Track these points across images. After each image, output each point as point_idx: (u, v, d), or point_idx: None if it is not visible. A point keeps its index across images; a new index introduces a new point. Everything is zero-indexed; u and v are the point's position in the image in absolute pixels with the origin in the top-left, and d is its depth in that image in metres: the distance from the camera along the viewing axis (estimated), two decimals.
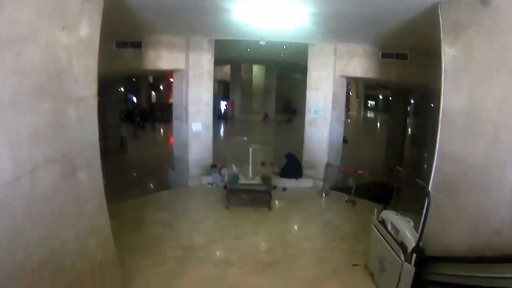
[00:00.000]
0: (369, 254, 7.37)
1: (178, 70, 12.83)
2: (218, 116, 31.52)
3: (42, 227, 4.14)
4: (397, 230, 6.36)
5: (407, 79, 12.00)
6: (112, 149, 19.83)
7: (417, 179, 6.53)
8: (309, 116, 13.35)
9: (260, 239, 9.05)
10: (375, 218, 7.16)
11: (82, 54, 5.05)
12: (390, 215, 6.81)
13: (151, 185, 14.16)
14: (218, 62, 32.60)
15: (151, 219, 9.80)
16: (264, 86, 36.00)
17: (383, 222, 6.89)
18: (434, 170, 6.31)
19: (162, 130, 30.23)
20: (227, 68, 36.17)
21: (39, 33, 3.98)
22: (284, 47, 21.32)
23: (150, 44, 11.75)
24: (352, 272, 7.42)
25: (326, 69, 12.90)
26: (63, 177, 4.62)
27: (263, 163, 12.09)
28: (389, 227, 6.66)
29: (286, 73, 37.93)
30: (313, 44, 13.04)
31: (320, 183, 12.76)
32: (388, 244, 6.39)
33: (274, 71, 35.62)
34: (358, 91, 49.53)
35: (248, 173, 11.16)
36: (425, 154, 17.55)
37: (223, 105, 35.85)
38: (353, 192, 11.82)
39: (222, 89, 38.31)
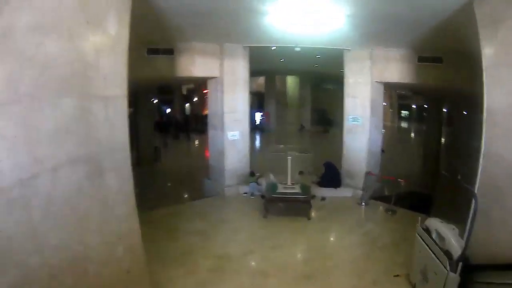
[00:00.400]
0: (412, 264, 6.83)
1: (212, 78, 12.62)
2: (253, 128, 31.05)
3: (63, 230, 3.86)
4: (442, 238, 5.87)
5: (443, 82, 11.65)
6: (145, 158, 20.09)
7: (464, 184, 6.08)
8: (347, 124, 12.85)
9: (298, 250, 8.58)
10: (419, 226, 6.63)
11: (111, 51, 4.86)
12: (434, 223, 6.29)
13: (186, 194, 13.89)
14: (253, 74, 32.79)
15: (184, 228, 9.48)
16: (298, 97, 35.46)
17: (427, 231, 6.38)
18: (480, 172, 5.89)
19: (196, 141, 30.29)
20: (261, 80, 35.88)
21: (61, 24, 3.75)
22: (318, 56, 21.08)
23: (182, 51, 11.59)
24: (393, 284, 6.92)
25: (363, 75, 12.40)
26: (88, 179, 4.38)
27: (301, 172, 11.71)
28: (433, 236, 6.16)
29: (321, 84, 37.37)
30: (349, 50, 12.55)
31: (359, 193, 12.20)
32: (433, 253, 5.91)
33: (308, 81, 35.05)
34: (392, 100, 48.45)
35: (287, 182, 10.72)
36: (460, 163, 16.50)
37: (258, 116, 35.63)
38: (393, 201, 11.25)
39: (257, 101, 38.08)
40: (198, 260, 7.70)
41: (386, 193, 12.62)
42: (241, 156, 12.87)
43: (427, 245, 6.16)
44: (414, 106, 53.49)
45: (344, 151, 12.97)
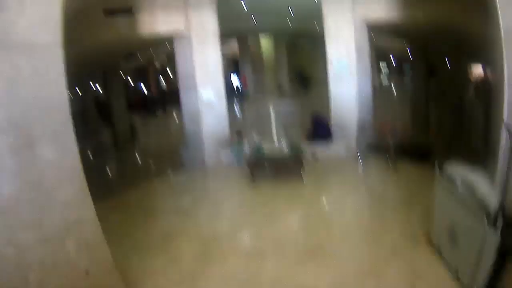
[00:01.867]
0: (433, 223, 5.62)
1: (178, 34, 11.15)
2: (230, 94, 30.57)
3: None
4: (470, 188, 4.53)
5: (439, 19, 10.11)
6: (122, 138, 19.09)
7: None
8: (332, 69, 11.45)
9: (296, 220, 7.33)
10: (438, 175, 5.43)
11: None
12: (458, 170, 5.00)
13: (163, 168, 12.67)
14: (223, 37, 31.71)
15: (163, 207, 8.33)
16: (274, 59, 34.13)
17: (449, 180, 5.11)
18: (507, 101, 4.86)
19: (175, 115, 28.58)
20: (234, 45, 34.49)
21: None
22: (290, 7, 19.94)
23: (142, 8, 10.23)
24: (415, 249, 5.68)
25: (344, 15, 11.05)
26: (13, 153, 3.26)
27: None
28: (458, 185, 4.84)
29: (296, 43, 36.29)
30: None
31: (353, 146, 11.07)
32: (462, 207, 4.65)
33: (283, 41, 33.69)
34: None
35: (273, 141, 9.46)
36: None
37: (235, 79, 34.62)
38: (391, 152, 9.98)
39: (233, 65, 37.02)
40: (181, 244, 6.40)
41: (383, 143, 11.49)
42: (219, 118, 11.53)
43: (453, 197, 4.95)
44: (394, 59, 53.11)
45: (332, 101, 11.64)
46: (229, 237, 6.59)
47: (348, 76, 11.19)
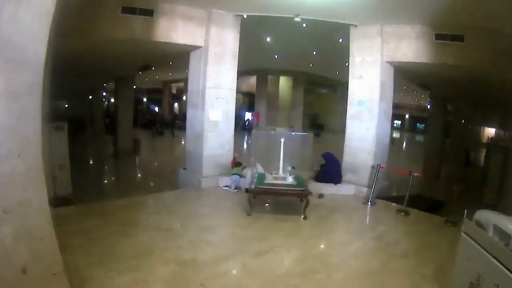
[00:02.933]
0: (454, 276, 4.45)
1: (196, 48, 10.32)
2: (242, 127, 30.08)
3: None
4: (506, 235, 3.60)
5: (465, 62, 9.56)
6: (124, 150, 18.75)
7: None
8: (351, 108, 10.56)
9: (292, 257, 6.04)
10: (468, 222, 4.36)
11: None
12: (491, 216, 3.97)
13: (157, 185, 11.68)
14: (243, 73, 31.38)
15: (147, 222, 7.15)
16: (291, 99, 33.46)
17: (478, 227, 4.05)
18: None
19: (182, 139, 28.02)
20: (252, 80, 34.05)
21: None
22: (315, 52, 19.49)
23: (163, 13, 9.47)
24: None
25: (372, 54, 10.19)
26: None
27: (293, 168, 8.94)
28: (490, 233, 3.84)
29: (314, 87, 35.94)
30: (355, 25, 10.42)
31: (364, 190, 9.98)
32: (495, 257, 3.58)
33: (302, 83, 33.08)
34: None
35: (278, 172, 8.35)
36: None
37: (248, 116, 34.25)
38: (406, 200, 8.95)
39: (247, 102, 36.61)
40: (154, 265, 5.27)
41: (395, 191, 10.68)
42: (224, 142, 10.49)
43: (483, 247, 3.92)
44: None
45: (346, 141, 10.64)
46: (210, 265, 5.43)
47: (367, 118, 10.23)
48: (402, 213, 8.73)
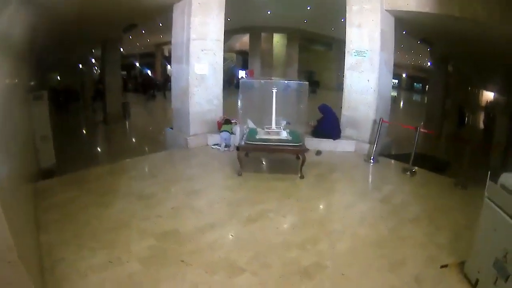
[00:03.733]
0: (476, 249, 3.70)
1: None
2: (236, 86, 29.32)
3: None
4: None
5: (471, 15, 8.20)
6: (113, 116, 17.80)
7: None
8: (350, 58, 9.42)
9: (289, 224, 5.17)
10: (493, 186, 3.47)
11: None
12: None
13: (143, 148, 10.78)
14: (236, 31, 30.18)
15: (127, 189, 6.21)
16: (285, 57, 32.34)
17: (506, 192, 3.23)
18: None
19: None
20: (246, 38, 32.86)
21: None
22: (309, 8, 18.48)
23: None
24: (444, 280, 3.81)
25: (370, 1, 9.01)
26: None
27: (288, 123, 7.88)
28: None
29: (309, 44, 34.86)
30: None
31: (365, 146, 9.06)
32: None
33: (296, 41, 31.86)
34: None
35: (270, 126, 7.37)
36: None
37: (241, 73, 33.28)
38: (412, 158, 7.92)
39: (241, 60, 35.55)
40: (131, 238, 4.43)
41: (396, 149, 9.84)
42: (212, 97, 9.48)
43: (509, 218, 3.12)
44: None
45: (345, 93, 9.59)
46: (194, 237, 4.58)
47: (368, 69, 9.17)
48: (409, 173, 7.83)
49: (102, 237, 4.42)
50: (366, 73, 9.17)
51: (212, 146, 9.10)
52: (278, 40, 32.42)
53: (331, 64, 36.79)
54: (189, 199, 5.86)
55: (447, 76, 18.73)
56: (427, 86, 55.98)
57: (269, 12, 20.72)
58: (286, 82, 8.11)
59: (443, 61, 18.01)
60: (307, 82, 7.81)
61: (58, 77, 24.68)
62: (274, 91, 7.18)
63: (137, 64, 44.56)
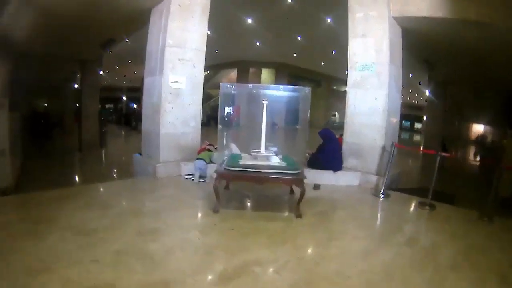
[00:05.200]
0: None
1: (158, 1, 7.72)
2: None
3: None
4: None
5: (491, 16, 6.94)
6: (88, 144, 16.14)
7: None
8: (353, 74, 7.79)
9: (287, 284, 3.29)
10: None
11: None
12: None
13: (109, 175, 9.09)
14: (224, 66, 28.94)
15: (70, 220, 4.50)
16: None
17: None
18: None
19: None
20: (233, 73, 31.61)
21: None
22: (299, 38, 17.36)
23: None
24: None
25: (376, 7, 7.52)
26: None
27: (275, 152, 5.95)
28: None
29: (297, 81, 33.66)
30: None
31: (372, 179, 7.33)
32: None
33: (285, 77, 30.62)
34: None
35: (258, 149, 5.58)
36: None
37: (227, 109, 31.99)
38: (431, 190, 6.26)
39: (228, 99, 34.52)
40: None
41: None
42: (188, 117, 7.69)
43: None
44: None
45: (348, 117, 7.90)
46: None
47: (375, 85, 7.54)
48: (427, 207, 6.14)
49: (16, 281, 3.02)
50: (373, 90, 7.55)
51: (185, 177, 7.23)
52: (266, 76, 31.18)
53: (320, 102, 35.50)
54: (141, 240, 4.02)
55: (445, 104, 17.74)
56: (415, 124, 55.40)
57: (258, 44, 19.53)
58: (281, 88, 6.39)
59: (442, 87, 16.92)
60: (309, 88, 6.10)
61: (39, 100, 23.62)
62: (265, 103, 5.45)
63: (123, 98, 44.31)
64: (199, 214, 5.14)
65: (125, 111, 37.14)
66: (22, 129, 12.78)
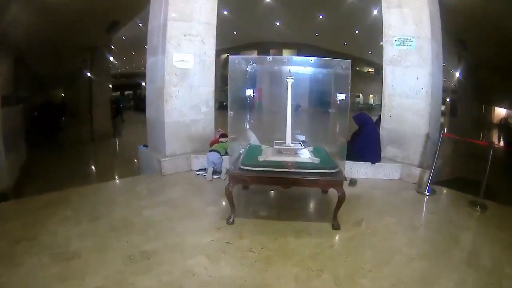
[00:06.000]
0: None
1: None
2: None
3: None
4: None
5: None
6: (101, 133, 15.62)
7: None
8: (389, 49, 6.50)
9: None
10: None
11: None
12: None
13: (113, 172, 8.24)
14: (244, 47, 27.88)
15: (46, 238, 3.59)
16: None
17: None
18: None
19: None
20: (254, 56, 30.68)
21: None
22: (321, 16, 16.17)
23: None
24: None
25: None
26: None
27: (304, 142, 4.89)
28: None
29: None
30: None
31: (414, 172, 6.06)
32: None
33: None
34: None
35: (284, 141, 4.36)
36: None
37: (249, 92, 31.37)
38: (483, 187, 5.04)
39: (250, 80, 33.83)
40: None
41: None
42: (199, 102, 6.56)
43: None
44: None
45: (385, 99, 6.61)
46: None
47: (415, 62, 6.25)
48: (478, 207, 4.94)
49: None
50: (414, 68, 6.27)
51: (197, 173, 6.10)
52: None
53: (346, 84, 34.67)
54: (130, 272, 2.98)
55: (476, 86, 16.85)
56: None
57: (277, 23, 18.36)
58: (311, 61, 5.13)
59: (474, 68, 15.95)
60: (349, 60, 4.87)
61: (53, 92, 22.63)
62: (290, 81, 4.27)
63: (143, 84, 43.60)
64: (209, 228, 3.98)
65: (143, 97, 36.65)
66: (28, 123, 12.04)
